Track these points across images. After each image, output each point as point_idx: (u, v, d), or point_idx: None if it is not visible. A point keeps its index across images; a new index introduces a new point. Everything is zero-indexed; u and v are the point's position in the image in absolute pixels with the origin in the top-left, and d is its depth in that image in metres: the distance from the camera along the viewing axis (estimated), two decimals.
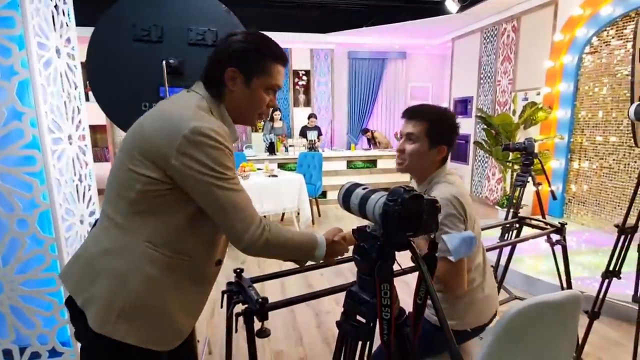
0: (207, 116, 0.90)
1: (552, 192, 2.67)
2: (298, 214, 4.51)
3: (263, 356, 2.22)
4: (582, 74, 4.22)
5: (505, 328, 0.97)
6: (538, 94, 4.66)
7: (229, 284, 1.42)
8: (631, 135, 2.51)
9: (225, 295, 1.38)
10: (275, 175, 4.38)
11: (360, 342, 0.85)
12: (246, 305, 1.25)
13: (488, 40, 5.76)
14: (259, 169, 4.70)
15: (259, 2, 5.96)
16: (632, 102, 1.89)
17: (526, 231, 2.09)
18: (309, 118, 6.76)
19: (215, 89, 0.96)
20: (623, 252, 1.61)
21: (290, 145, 6.18)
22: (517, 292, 2.70)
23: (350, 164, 6.08)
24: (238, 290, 1.35)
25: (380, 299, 0.77)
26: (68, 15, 1.86)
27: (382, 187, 0.87)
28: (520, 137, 4.56)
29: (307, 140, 6.15)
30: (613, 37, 3.86)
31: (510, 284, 2.85)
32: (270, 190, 4.18)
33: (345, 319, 0.87)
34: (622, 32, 3.77)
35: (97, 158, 6.83)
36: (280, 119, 6.59)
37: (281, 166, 5.80)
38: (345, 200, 0.89)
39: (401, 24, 6.18)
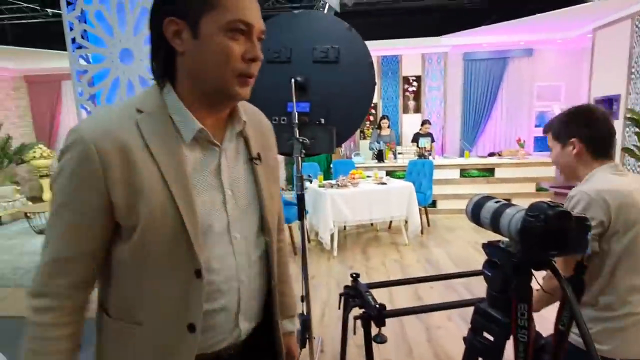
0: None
1: None
2: (406, 222, 4.43)
3: None
4: None
5: None
6: None
7: (346, 287, 1.50)
8: None
9: (342, 298, 1.45)
10: (385, 183, 4.39)
11: None
12: (363, 310, 1.30)
13: None
14: (368, 177, 4.77)
15: (369, 13, 6.08)
16: None
17: None
18: (422, 124, 6.62)
19: (161, 68, 0.70)
20: None
21: (399, 153, 6.11)
22: None
23: (464, 173, 5.72)
24: (355, 294, 1.41)
25: (516, 319, 0.73)
26: None
27: (502, 198, 0.82)
28: None
29: (418, 147, 6.02)
30: None
31: None
32: (379, 197, 4.20)
33: (474, 336, 0.85)
34: None
35: None
36: (389, 127, 6.57)
37: (390, 174, 5.76)
38: (475, 213, 0.87)
39: (527, 18, 5.60)
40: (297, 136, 1.70)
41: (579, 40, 6.56)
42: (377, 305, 1.23)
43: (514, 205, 0.80)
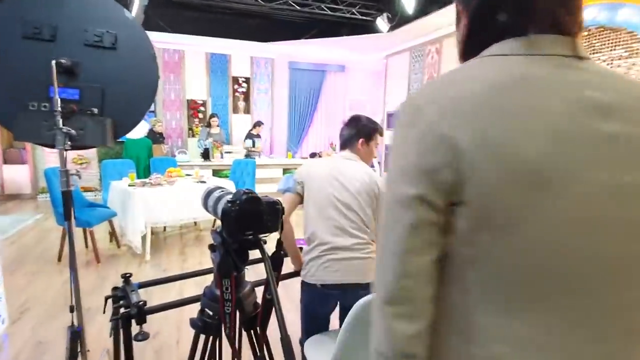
0: None
1: None
2: None
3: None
4: None
5: (356, 316, 1.07)
6: None
7: (114, 289, 1.41)
8: None
9: (111, 301, 1.36)
10: (204, 182, 4.32)
11: (211, 337, 0.90)
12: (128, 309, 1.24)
13: (416, 59, 6.19)
14: (188, 175, 4.60)
15: (198, 7, 5.89)
16: None
17: None
18: (256, 125, 6.87)
19: None
20: None
21: (227, 152, 6.13)
22: None
23: (287, 171, 6.16)
24: (122, 295, 1.34)
25: (222, 294, 0.83)
26: None
27: None
28: None
29: (253, 147, 6.28)
30: None
31: None
32: (196, 196, 4.10)
33: (199, 316, 0.92)
34: None
35: None
36: (218, 125, 6.52)
37: (216, 173, 5.72)
38: (205, 201, 0.95)
39: (340, 38, 6.44)
40: (61, 126, 1.50)
41: (378, 63, 7.92)
42: (139, 303, 1.20)
43: (232, 193, 0.91)
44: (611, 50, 3.31)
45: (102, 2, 1.66)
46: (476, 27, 0.56)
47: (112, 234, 4.14)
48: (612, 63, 3.30)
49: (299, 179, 1.61)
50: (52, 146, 1.54)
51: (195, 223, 4.89)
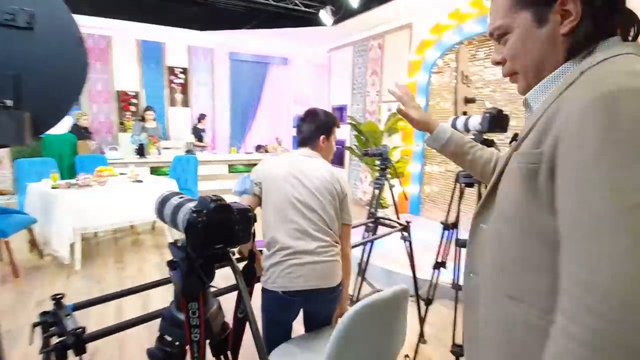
0: None
1: (404, 193, 2.99)
2: None
3: None
4: (432, 90, 4.88)
5: (346, 327, 1.01)
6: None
7: (43, 314, 1.20)
8: None
9: (40, 328, 1.15)
10: (141, 181, 3.97)
11: None
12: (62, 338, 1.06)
13: (359, 54, 6.25)
14: (122, 174, 4.20)
15: None
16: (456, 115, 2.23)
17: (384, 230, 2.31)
18: (202, 118, 6.61)
19: None
20: (448, 245, 1.88)
21: (165, 148, 5.71)
22: (379, 285, 2.95)
23: (232, 168, 5.91)
24: (54, 320, 1.14)
25: (188, 319, 0.71)
26: None
27: None
28: (386, 143, 5.04)
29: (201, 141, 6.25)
30: (453, 60, 4.56)
31: (374, 279, 3.09)
32: (134, 197, 3.76)
33: (158, 344, 0.79)
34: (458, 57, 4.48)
35: None
36: (154, 119, 6.04)
37: (153, 171, 5.31)
38: (159, 210, 0.81)
39: (282, 30, 6.28)
40: None
41: (321, 57, 7.89)
42: (76, 330, 1.02)
43: (194, 200, 0.79)
44: None
45: None
46: (590, 25, 0.61)
47: (33, 243, 3.65)
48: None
49: (256, 180, 1.50)
50: None
51: (131, 226, 4.49)
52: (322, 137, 1.56)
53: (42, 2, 1.43)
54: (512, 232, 0.62)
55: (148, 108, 5.94)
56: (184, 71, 7.04)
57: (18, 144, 1.47)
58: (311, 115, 1.61)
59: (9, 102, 1.37)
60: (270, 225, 1.44)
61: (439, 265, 1.93)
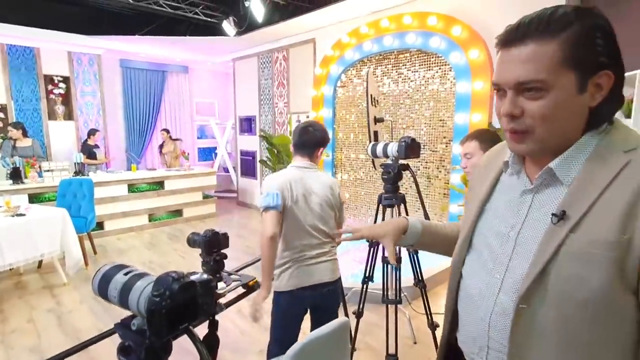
0: None
1: None
2: (64, 257, 3.64)
3: None
4: (337, 103, 5.15)
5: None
6: (307, 117, 5.39)
7: None
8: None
9: None
10: (23, 214, 3.38)
11: None
12: None
13: (264, 65, 6.27)
14: None
15: None
16: (369, 138, 2.41)
17: None
18: (92, 134, 5.94)
19: None
20: (373, 259, 2.03)
21: (47, 170, 4.92)
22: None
23: (133, 188, 5.38)
24: None
25: None
26: None
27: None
28: None
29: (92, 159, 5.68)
30: (355, 76, 4.88)
31: None
32: (16, 235, 3.19)
33: None
34: (359, 73, 4.82)
35: None
36: (28, 136, 5.17)
37: (35, 197, 4.55)
38: (102, 289, 0.73)
39: (180, 38, 5.95)
40: None
41: (224, 65, 7.69)
42: None
43: (145, 275, 0.73)
44: (427, 70, 4.06)
45: None
46: (613, 101, 0.64)
47: None
48: (427, 81, 4.07)
49: (280, 195, 1.66)
50: None
51: (10, 269, 3.79)
52: (321, 149, 1.73)
53: None
54: (584, 315, 0.60)
55: (15, 124, 5.05)
56: (65, 80, 6.18)
57: None
58: (309, 128, 1.72)
59: None
60: (286, 235, 1.66)
61: (367, 279, 2.07)
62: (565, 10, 0.61)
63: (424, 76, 4.10)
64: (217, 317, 0.89)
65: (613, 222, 0.58)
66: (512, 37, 0.63)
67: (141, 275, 0.74)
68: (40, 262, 3.96)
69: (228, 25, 5.19)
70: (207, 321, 0.78)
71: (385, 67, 4.48)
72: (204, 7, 5.28)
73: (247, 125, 6.78)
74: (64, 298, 3.38)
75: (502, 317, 0.68)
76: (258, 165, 6.55)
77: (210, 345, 0.76)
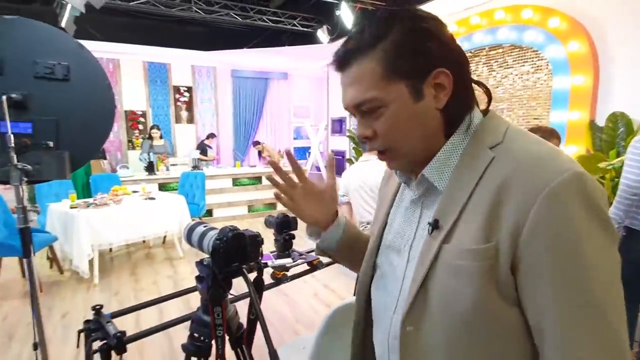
0: None
1: None
2: (181, 236, 4.42)
3: None
4: None
5: (327, 325, 1.23)
6: None
7: (86, 321, 1.43)
8: None
9: (83, 335, 1.38)
10: (153, 198, 4.22)
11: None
12: (105, 341, 1.28)
13: None
14: (134, 192, 4.45)
15: (134, 14, 5.68)
16: None
17: None
18: (210, 137, 7.02)
19: None
20: None
21: (172, 165, 5.97)
22: None
23: (236, 181, 6.16)
24: (96, 327, 1.37)
25: (213, 320, 0.94)
26: None
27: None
28: None
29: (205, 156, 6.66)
30: None
31: None
32: (148, 213, 4.01)
33: (190, 341, 1.02)
34: None
35: None
36: (161, 137, 6.32)
37: (163, 187, 5.56)
38: (188, 237, 1.05)
39: (281, 47, 6.57)
40: (15, 162, 1.48)
41: (319, 70, 8.17)
42: (118, 333, 1.25)
43: (215, 228, 1.02)
44: (521, 66, 3.82)
45: (52, 33, 1.65)
46: (462, 98, 0.63)
47: (53, 260, 3.90)
48: (521, 77, 3.82)
49: (342, 193, 2.21)
50: (7, 182, 1.51)
51: (143, 241, 4.73)
52: None
53: (76, 56, 1.70)
54: (470, 335, 0.54)
55: (154, 126, 6.22)
56: (189, 89, 7.34)
57: (61, 179, 1.72)
58: None
59: (51, 144, 1.62)
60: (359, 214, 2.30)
61: None
62: (378, 21, 0.59)
63: (517, 72, 3.86)
64: (283, 286, 1.13)
65: (478, 229, 0.52)
66: (339, 61, 0.62)
67: (212, 228, 1.03)
68: (165, 238, 4.85)
69: (322, 33, 5.59)
70: (256, 270, 1.03)
71: (476, 65, 4.33)
72: (301, 19, 5.77)
73: (338, 126, 7.13)
74: (180, 268, 4.12)
75: (395, 340, 0.62)
76: (347, 164, 6.84)
77: (257, 285, 1.01)
